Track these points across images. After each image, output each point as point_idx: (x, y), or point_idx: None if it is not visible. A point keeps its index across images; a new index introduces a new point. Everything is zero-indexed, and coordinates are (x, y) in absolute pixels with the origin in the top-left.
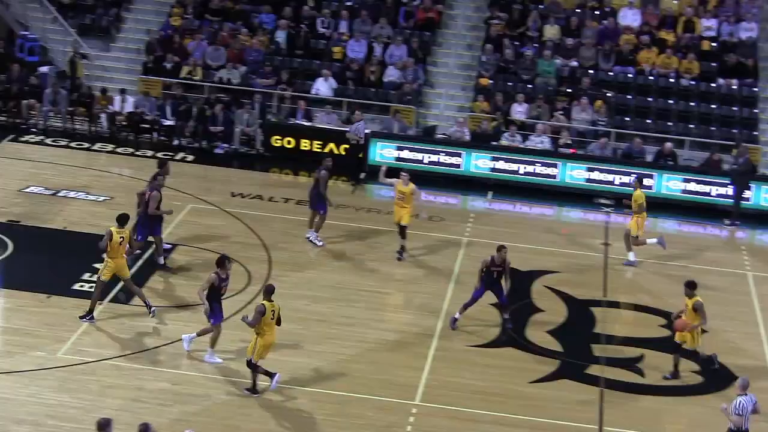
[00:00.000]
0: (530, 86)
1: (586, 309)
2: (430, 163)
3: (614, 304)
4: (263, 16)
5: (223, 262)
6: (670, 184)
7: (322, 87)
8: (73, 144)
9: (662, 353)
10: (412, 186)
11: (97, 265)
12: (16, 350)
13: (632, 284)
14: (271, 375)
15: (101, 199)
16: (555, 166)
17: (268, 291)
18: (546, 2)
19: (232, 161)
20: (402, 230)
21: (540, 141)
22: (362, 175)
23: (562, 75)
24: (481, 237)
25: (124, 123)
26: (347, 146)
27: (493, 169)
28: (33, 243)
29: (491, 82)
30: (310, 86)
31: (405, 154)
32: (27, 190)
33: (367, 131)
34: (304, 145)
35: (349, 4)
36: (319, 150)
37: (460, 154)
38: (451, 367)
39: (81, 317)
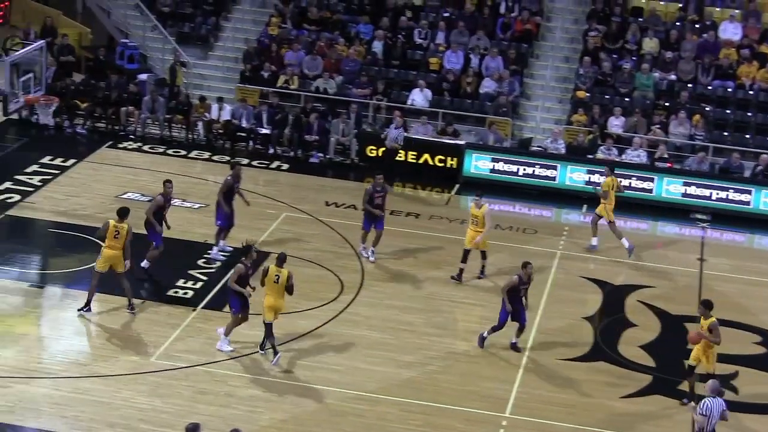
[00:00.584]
0: (627, 99)
1: (680, 324)
2: (525, 175)
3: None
4: (360, 26)
5: (248, 250)
6: None
7: (418, 98)
8: (170, 151)
9: (757, 370)
10: (486, 208)
11: (192, 272)
12: (110, 354)
13: (727, 300)
14: (275, 351)
15: (197, 206)
16: (651, 180)
17: (280, 258)
18: (645, 15)
19: (327, 170)
20: (466, 254)
21: (636, 155)
22: (456, 187)
23: (660, 89)
24: (575, 251)
25: (221, 131)
26: (441, 157)
27: (589, 182)
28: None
29: (588, 94)
30: (406, 97)
31: (500, 166)
32: (124, 196)
33: (461, 142)
34: (399, 155)
35: (446, 15)
36: (413, 161)
37: (556, 166)
38: (542, 380)
39: (79, 309)
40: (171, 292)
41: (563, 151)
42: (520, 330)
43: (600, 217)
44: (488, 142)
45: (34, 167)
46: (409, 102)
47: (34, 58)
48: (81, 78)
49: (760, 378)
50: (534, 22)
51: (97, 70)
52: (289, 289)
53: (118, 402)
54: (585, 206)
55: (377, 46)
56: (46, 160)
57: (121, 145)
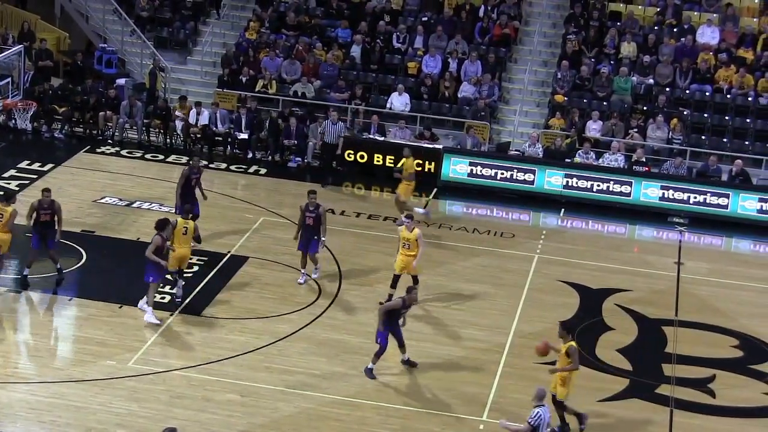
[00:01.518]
0: (606, 103)
1: (657, 328)
2: (503, 179)
3: (685, 324)
4: (339, 31)
5: (164, 224)
6: (746, 204)
7: (396, 102)
8: (148, 156)
9: (734, 374)
10: (417, 231)
11: (170, 276)
12: (87, 359)
13: (704, 304)
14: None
15: (175, 210)
16: (629, 184)
17: (186, 210)
18: (623, 19)
19: (305, 175)
20: (396, 279)
21: (614, 159)
22: (434, 191)
23: (638, 92)
24: (553, 254)
25: (198, 135)
26: (419, 161)
27: (566, 186)
28: (106, 253)
29: (566, 98)
30: (384, 101)
31: (478, 170)
32: (102, 200)
33: (439, 146)
34: (377, 159)
35: (425, 19)
36: (392, 165)
37: (534, 171)
38: (520, 384)
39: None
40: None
41: (541, 155)
42: (401, 345)
43: (399, 196)
44: (466, 147)
45: (12, 172)
46: (387, 106)
47: (12, 63)
48: (59, 82)
49: (738, 381)
50: (512, 26)
51: (75, 75)
52: (197, 238)
53: (95, 406)
54: (563, 210)
55: (356, 51)
56: (23, 164)
57: (99, 150)
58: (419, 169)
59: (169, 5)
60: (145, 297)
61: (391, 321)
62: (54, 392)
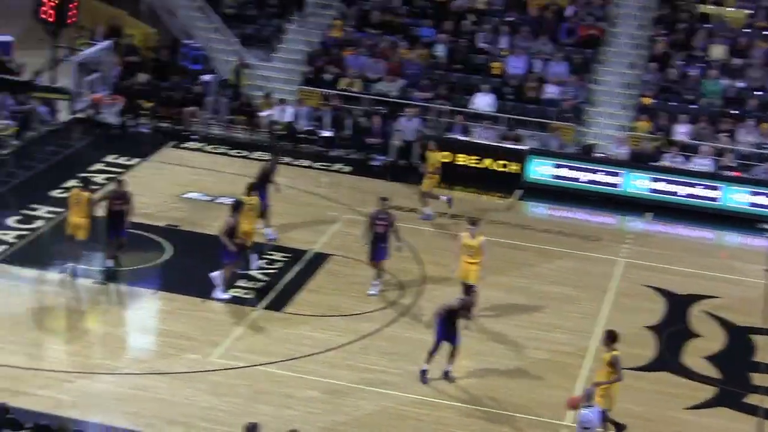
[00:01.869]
0: (694, 107)
1: (745, 336)
2: (588, 181)
3: None
4: (423, 30)
5: (238, 206)
6: None
7: (481, 102)
8: (232, 152)
9: None
10: (482, 238)
11: (253, 272)
12: (171, 352)
13: None
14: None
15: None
16: (717, 188)
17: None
18: (713, 21)
19: (388, 173)
20: (467, 288)
21: (703, 163)
22: (518, 192)
23: (728, 96)
24: (638, 258)
25: (283, 133)
26: (503, 162)
27: (653, 190)
28: (190, 248)
29: (654, 101)
30: (468, 101)
31: (562, 171)
32: (186, 195)
33: (523, 147)
34: (461, 159)
35: (510, 19)
36: (475, 165)
37: (619, 173)
38: None
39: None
40: (232, 292)
41: (627, 157)
42: (452, 354)
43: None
44: (551, 148)
45: (99, 165)
46: (471, 106)
47: (101, 58)
48: (146, 78)
49: None
50: (599, 27)
51: (161, 71)
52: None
53: (178, 399)
54: (649, 214)
55: (440, 50)
56: (110, 158)
57: (183, 145)
58: (503, 170)
59: (254, 3)
60: (220, 271)
61: (448, 324)
62: (138, 384)
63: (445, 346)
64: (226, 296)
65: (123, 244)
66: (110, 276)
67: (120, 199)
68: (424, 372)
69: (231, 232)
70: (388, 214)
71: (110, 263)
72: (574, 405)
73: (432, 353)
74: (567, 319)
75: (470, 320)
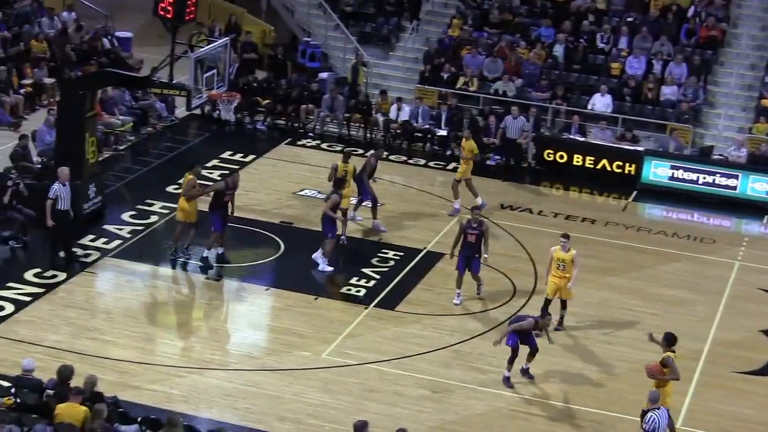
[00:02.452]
0: None
1: None
2: (705, 183)
3: None
4: (542, 30)
5: (342, 183)
6: None
7: (598, 103)
8: (347, 149)
9: None
10: (573, 252)
11: (365, 270)
12: (282, 349)
13: None
14: None
15: (371, 205)
16: None
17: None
18: None
19: (504, 173)
20: (548, 304)
21: None
22: (634, 194)
23: None
24: (755, 262)
25: (398, 131)
26: (620, 163)
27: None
28: (304, 245)
29: None
30: (586, 101)
31: (679, 173)
32: (301, 192)
33: (640, 148)
34: (577, 160)
35: (630, 19)
36: (591, 166)
37: (737, 176)
38: (716, 393)
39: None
40: (344, 290)
41: (745, 160)
42: (532, 354)
43: (459, 181)
44: (668, 149)
45: (214, 162)
46: (589, 107)
47: (218, 55)
48: (263, 75)
49: None
50: (720, 28)
51: (278, 68)
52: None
53: (288, 396)
54: (766, 217)
55: (558, 50)
56: (226, 155)
57: (299, 143)
58: (619, 171)
59: (374, 0)
60: (320, 249)
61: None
62: (249, 380)
63: (524, 349)
64: (330, 268)
65: (220, 239)
66: (220, 264)
67: (232, 190)
68: (507, 378)
69: (335, 208)
70: (481, 223)
71: (220, 251)
72: (653, 373)
73: (511, 361)
74: (681, 322)
75: (545, 337)
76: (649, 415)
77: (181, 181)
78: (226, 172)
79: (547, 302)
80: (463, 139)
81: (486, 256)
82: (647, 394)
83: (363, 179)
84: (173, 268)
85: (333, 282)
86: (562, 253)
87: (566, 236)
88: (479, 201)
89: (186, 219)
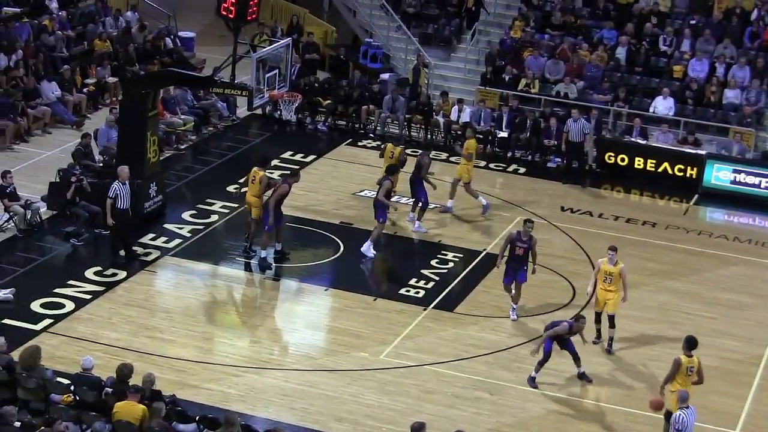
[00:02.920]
0: None
1: None
2: (767, 188)
3: None
4: (605, 32)
5: (394, 170)
6: None
7: (660, 105)
8: (408, 151)
9: None
10: (621, 266)
11: (425, 272)
12: (340, 350)
13: None
14: None
15: (432, 206)
16: None
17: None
18: None
19: (564, 175)
20: (599, 316)
21: None
22: (695, 197)
23: None
24: None
25: (459, 132)
26: (681, 166)
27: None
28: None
29: None
30: (648, 104)
31: (741, 177)
32: (361, 193)
33: (702, 152)
34: (638, 163)
35: (693, 22)
36: (652, 169)
37: None
38: None
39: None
40: (403, 291)
41: None
42: (575, 358)
43: (459, 179)
44: (731, 153)
45: (275, 162)
46: (651, 109)
47: (280, 55)
48: (324, 76)
49: None
50: None
51: (340, 69)
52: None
53: (345, 397)
54: None
55: (621, 52)
56: (286, 155)
57: (360, 143)
58: (681, 174)
59: (436, 2)
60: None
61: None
62: (306, 380)
63: (565, 353)
64: (373, 253)
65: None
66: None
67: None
68: (533, 379)
69: (388, 195)
70: (530, 237)
71: (278, 247)
72: (658, 406)
73: (541, 363)
74: (739, 326)
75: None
76: (678, 414)
77: (241, 180)
78: (287, 171)
79: (597, 315)
80: (465, 139)
81: (535, 267)
82: (677, 394)
83: (418, 179)
84: (246, 268)
85: (392, 283)
86: (610, 266)
87: (614, 249)
88: (483, 201)
89: (255, 214)
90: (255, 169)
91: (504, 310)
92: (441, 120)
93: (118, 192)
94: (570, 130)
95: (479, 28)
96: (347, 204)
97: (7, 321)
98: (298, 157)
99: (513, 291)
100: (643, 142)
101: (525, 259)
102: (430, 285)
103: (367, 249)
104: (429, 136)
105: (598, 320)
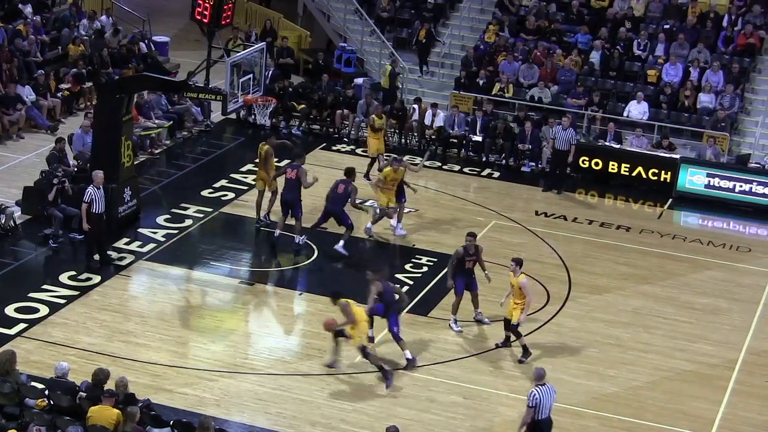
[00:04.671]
0: None
1: None
2: (741, 192)
3: None
4: (579, 36)
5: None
6: None
7: (634, 110)
8: (383, 155)
9: None
10: (523, 278)
11: (399, 276)
12: (315, 354)
13: None
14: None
15: (406, 210)
16: None
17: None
18: None
19: (539, 180)
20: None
21: None
22: (670, 201)
23: None
24: None
25: (433, 137)
26: (655, 171)
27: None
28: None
29: None
30: (622, 108)
31: (715, 181)
32: None
33: (676, 156)
34: (612, 167)
35: (667, 26)
36: (626, 173)
37: None
38: (751, 403)
39: None
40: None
41: None
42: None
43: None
44: (705, 157)
45: (249, 166)
46: (625, 114)
47: (254, 60)
48: (299, 80)
49: None
50: (757, 36)
51: (314, 73)
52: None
53: (320, 401)
54: None
55: (595, 57)
56: None
57: (334, 148)
58: (655, 178)
59: (410, 6)
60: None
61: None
62: (281, 385)
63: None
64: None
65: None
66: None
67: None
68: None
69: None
70: (476, 248)
71: (277, 233)
72: (330, 326)
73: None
74: (715, 330)
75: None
76: (532, 391)
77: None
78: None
79: (506, 321)
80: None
81: (488, 273)
82: (533, 372)
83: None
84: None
85: (366, 287)
86: (512, 277)
87: (516, 261)
88: (368, 225)
89: (266, 187)
90: (262, 143)
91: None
92: (415, 124)
93: (93, 196)
94: (557, 138)
95: (453, 33)
96: (322, 208)
97: None
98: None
99: (459, 300)
100: (618, 146)
101: (473, 270)
102: (405, 289)
103: (341, 247)
104: (403, 140)
105: (506, 327)
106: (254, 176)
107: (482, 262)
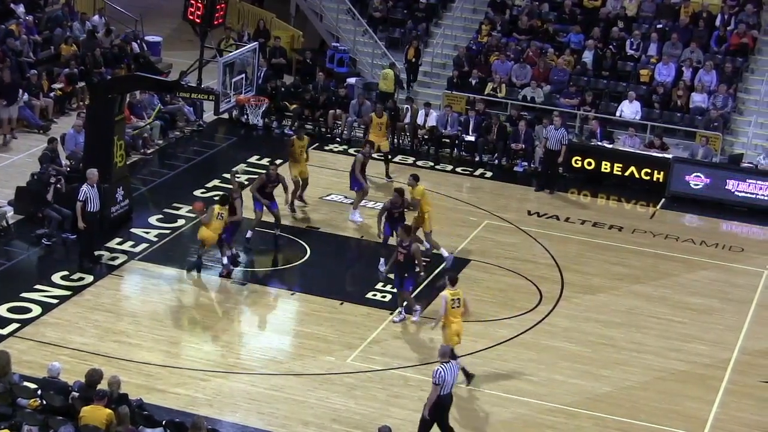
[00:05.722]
0: None
1: None
2: (735, 191)
3: None
4: (571, 36)
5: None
6: None
7: (627, 109)
8: (375, 155)
9: None
10: (445, 294)
11: (392, 276)
12: (307, 354)
13: None
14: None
15: (363, 203)
16: None
17: (452, 280)
18: None
19: (531, 180)
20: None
21: None
22: (662, 201)
23: None
24: None
25: (426, 137)
26: (648, 170)
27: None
28: (329, 250)
29: None
30: (615, 108)
31: (708, 181)
32: (328, 198)
33: (669, 156)
34: (605, 167)
35: (660, 26)
36: (619, 173)
37: (767, 184)
38: (744, 402)
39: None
40: (369, 295)
41: None
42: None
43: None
44: (697, 157)
45: (242, 165)
46: (617, 113)
47: (247, 60)
48: (291, 80)
49: None
50: (751, 35)
51: (307, 73)
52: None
53: (312, 401)
54: None
55: (587, 56)
56: (253, 159)
57: (327, 147)
58: (647, 178)
59: (402, 6)
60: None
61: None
62: (273, 384)
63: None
64: (360, 219)
65: (278, 217)
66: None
67: (275, 182)
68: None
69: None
70: (410, 242)
71: (249, 234)
72: (199, 209)
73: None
74: (708, 330)
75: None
76: (437, 368)
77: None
78: (254, 176)
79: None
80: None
81: (422, 273)
82: (439, 349)
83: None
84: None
85: (358, 287)
86: (450, 290)
87: (452, 278)
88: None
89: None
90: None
91: (472, 315)
92: (407, 124)
93: (88, 195)
94: (549, 138)
95: (446, 33)
96: (314, 208)
97: None
98: (265, 161)
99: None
100: (610, 146)
101: (407, 266)
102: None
103: (355, 216)
104: (396, 140)
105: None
106: (293, 172)
107: (419, 259)
